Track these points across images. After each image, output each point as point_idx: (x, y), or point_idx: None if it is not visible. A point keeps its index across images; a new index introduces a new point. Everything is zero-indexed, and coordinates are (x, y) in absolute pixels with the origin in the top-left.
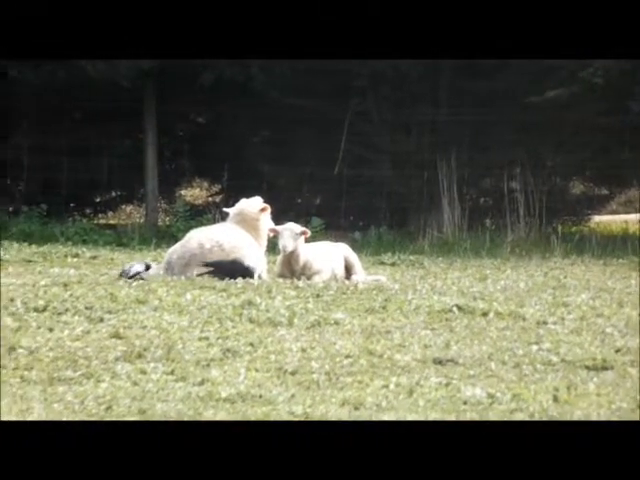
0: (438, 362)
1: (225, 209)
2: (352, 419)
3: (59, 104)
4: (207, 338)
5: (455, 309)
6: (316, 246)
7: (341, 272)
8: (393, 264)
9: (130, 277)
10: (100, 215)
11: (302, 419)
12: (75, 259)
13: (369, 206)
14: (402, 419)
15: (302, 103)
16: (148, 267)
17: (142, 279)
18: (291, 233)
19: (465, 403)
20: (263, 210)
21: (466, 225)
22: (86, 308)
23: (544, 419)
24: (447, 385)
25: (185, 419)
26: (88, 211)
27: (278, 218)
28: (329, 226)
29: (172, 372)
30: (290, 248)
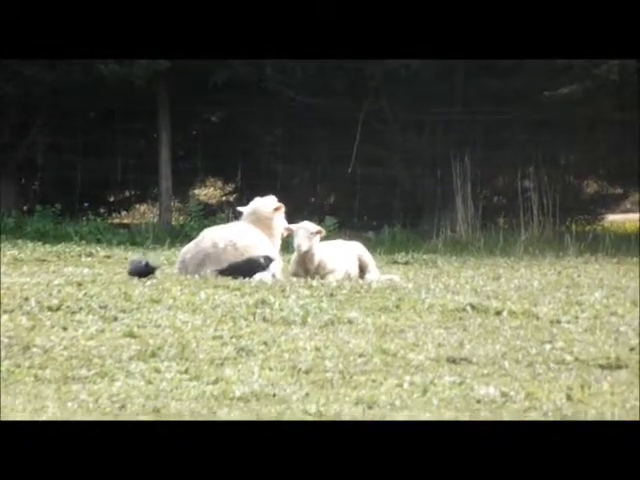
0: (452, 361)
1: (239, 208)
2: (366, 418)
3: (73, 103)
4: (221, 337)
5: (469, 308)
6: (330, 245)
7: (355, 271)
8: (406, 263)
9: (141, 274)
10: (114, 214)
11: (315, 418)
12: (89, 258)
13: (383, 205)
14: (415, 418)
15: (316, 102)
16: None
17: (153, 271)
18: (306, 232)
19: (479, 402)
20: (277, 209)
21: (479, 224)
22: (100, 307)
23: (558, 418)
24: (461, 384)
25: (199, 418)
26: (102, 210)
27: (292, 217)
28: (343, 225)
29: (186, 371)
30: (305, 247)
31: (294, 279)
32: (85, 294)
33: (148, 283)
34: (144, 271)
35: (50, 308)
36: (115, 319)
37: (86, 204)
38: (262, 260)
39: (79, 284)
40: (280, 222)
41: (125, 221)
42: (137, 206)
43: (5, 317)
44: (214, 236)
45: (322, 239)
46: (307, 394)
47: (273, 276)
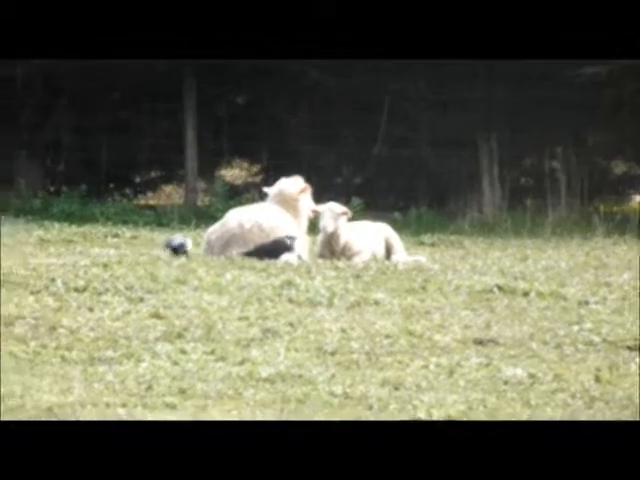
0: (479, 342)
1: (265, 189)
2: (392, 399)
3: (99, 84)
4: (247, 318)
5: (495, 289)
6: (356, 226)
7: (381, 252)
8: (433, 244)
9: (174, 250)
10: (140, 195)
11: (341, 400)
12: (115, 239)
13: (409, 186)
14: (441, 400)
15: (341, 83)
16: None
17: (185, 252)
18: (332, 213)
19: (506, 383)
20: (303, 191)
21: (507, 205)
22: (126, 288)
23: (586, 400)
24: (487, 365)
25: (225, 399)
26: (128, 191)
27: (318, 198)
28: (369, 206)
29: (212, 352)
30: (331, 228)
31: (320, 260)
32: (111, 275)
33: (175, 264)
34: (180, 249)
35: (76, 289)
36: (141, 300)
37: (112, 185)
38: (288, 241)
39: (105, 265)
40: (306, 203)
41: (151, 202)
42: (163, 187)
43: (32, 298)
44: (240, 217)
45: (348, 220)
46: (333, 375)
47: (299, 257)
